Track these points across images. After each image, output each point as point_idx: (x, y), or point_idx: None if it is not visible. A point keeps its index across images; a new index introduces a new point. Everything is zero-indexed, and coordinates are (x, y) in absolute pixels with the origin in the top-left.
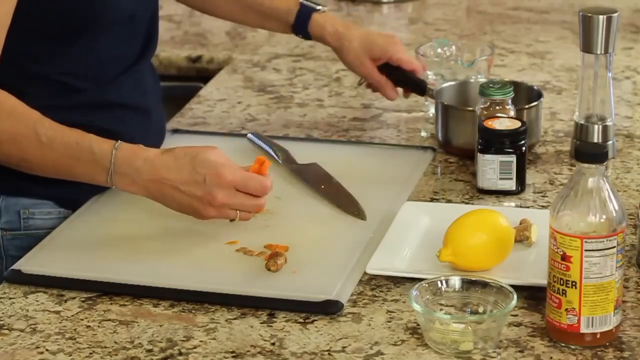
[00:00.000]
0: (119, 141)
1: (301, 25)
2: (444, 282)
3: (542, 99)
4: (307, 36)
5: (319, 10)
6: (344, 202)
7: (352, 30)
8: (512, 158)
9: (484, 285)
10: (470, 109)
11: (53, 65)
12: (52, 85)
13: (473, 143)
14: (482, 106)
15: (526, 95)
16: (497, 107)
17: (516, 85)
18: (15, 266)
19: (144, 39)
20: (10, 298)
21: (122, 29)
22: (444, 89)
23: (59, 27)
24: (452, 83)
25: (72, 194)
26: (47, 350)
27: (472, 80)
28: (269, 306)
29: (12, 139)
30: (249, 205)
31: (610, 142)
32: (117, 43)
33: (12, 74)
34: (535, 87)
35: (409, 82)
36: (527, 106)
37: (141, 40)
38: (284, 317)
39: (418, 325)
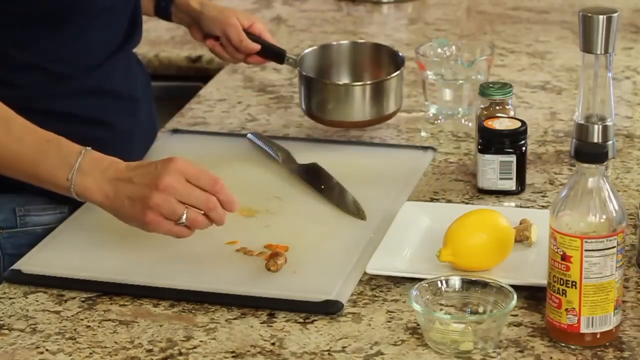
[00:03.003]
0: (89, 147)
1: None
2: (444, 282)
3: (403, 67)
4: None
5: None
6: (344, 202)
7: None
8: (512, 158)
9: (484, 285)
10: (328, 82)
11: (40, 53)
12: (40, 73)
13: (340, 115)
14: (482, 106)
15: (389, 60)
16: (497, 107)
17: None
18: (16, 266)
19: (128, 24)
20: (10, 298)
21: (108, 13)
22: (306, 56)
23: (44, 14)
24: (315, 48)
25: None
26: (47, 350)
27: (334, 44)
28: (269, 306)
29: None
30: (198, 197)
31: (610, 142)
32: (103, 28)
33: None
34: (400, 54)
35: (269, 49)
36: (388, 77)
37: (125, 25)
38: (284, 317)
39: (418, 325)
